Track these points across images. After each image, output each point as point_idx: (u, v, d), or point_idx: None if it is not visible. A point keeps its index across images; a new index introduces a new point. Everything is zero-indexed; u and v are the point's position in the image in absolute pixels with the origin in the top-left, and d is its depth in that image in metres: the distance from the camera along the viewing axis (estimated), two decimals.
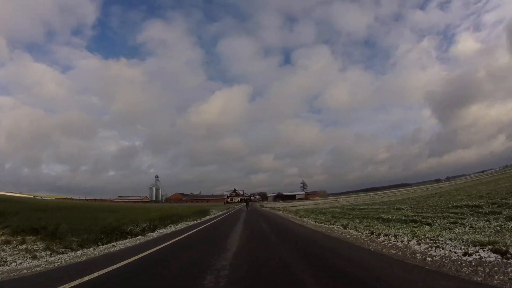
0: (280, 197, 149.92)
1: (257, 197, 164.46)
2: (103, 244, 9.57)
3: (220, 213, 35.00)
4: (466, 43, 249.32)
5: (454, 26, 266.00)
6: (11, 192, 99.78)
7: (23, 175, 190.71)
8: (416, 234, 7.25)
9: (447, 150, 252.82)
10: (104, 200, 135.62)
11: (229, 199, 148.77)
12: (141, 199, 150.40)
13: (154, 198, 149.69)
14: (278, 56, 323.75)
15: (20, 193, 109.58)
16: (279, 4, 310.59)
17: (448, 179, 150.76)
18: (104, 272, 5.37)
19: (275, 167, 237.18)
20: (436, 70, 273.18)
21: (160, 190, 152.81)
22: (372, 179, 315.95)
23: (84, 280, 4.78)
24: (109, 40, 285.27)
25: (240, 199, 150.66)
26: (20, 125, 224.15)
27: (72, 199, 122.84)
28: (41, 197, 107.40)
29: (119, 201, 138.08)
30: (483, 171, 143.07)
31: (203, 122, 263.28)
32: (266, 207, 55.89)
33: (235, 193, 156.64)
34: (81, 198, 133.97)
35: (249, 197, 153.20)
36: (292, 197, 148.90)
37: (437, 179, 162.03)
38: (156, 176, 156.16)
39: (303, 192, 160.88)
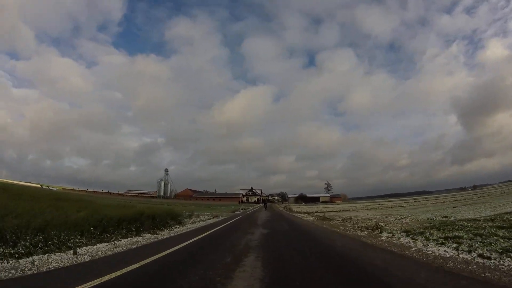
0: (302, 198, 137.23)
1: (276, 197, 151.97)
2: None
3: (213, 220, 20.48)
4: (494, 49, 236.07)
5: (480, 32, 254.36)
6: (19, 181, 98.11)
7: (45, 167, 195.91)
8: None
9: (470, 158, 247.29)
10: (111, 193, 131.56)
11: (244, 199, 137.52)
12: (151, 194, 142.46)
13: (162, 193, 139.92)
14: (302, 57, 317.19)
15: (29, 182, 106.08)
16: (303, 6, 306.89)
17: (475, 187, 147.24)
18: None
19: (294, 168, 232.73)
20: (463, 76, 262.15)
21: (169, 185, 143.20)
22: (391, 185, 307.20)
23: None
24: (134, 36, 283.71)
25: (258, 199, 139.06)
26: (44, 118, 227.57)
27: (79, 190, 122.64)
28: (48, 187, 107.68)
29: (126, 195, 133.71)
30: (510, 181, 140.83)
31: (224, 120, 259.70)
32: (296, 212, 35.75)
33: (252, 192, 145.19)
34: (88, 190, 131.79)
35: (267, 197, 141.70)
36: (315, 199, 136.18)
37: (462, 187, 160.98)
38: (166, 170, 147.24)
39: (328, 195, 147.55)
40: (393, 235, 9.12)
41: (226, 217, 24.15)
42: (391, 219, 18.36)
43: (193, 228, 14.19)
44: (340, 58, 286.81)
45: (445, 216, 16.81)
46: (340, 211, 42.88)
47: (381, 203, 73.82)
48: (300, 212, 32.08)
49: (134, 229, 11.28)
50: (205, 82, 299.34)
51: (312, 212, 32.41)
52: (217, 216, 23.81)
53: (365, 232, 10.53)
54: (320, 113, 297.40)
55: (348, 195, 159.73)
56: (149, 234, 11.23)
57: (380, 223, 12.30)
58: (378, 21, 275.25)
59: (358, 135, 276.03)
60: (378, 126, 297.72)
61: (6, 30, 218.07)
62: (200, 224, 17.05)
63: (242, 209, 44.81)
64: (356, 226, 13.45)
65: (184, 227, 15.17)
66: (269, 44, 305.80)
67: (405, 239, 8.32)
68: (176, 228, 14.42)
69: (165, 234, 11.80)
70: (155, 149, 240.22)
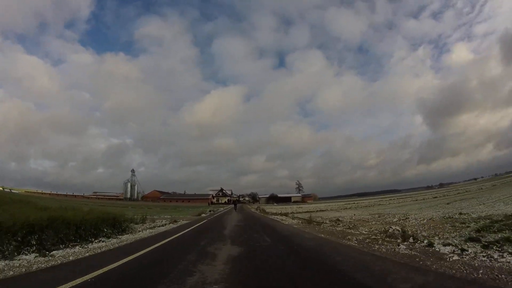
0: (273, 199, 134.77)
1: (246, 198, 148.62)
2: None
3: (167, 228, 16.53)
4: (459, 53, 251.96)
5: (446, 36, 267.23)
6: None
7: (10, 169, 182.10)
8: None
9: (436, 157, 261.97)
10: (75, 196, 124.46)
11: (214, 200, 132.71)
12: (118, 196, 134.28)
13: (129, 195, 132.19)
14: (272, 58, 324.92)
15: None
16: (274, 6, 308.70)
17: (441, 185, 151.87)
18: None
19: (265, 168, 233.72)
20: (429, 78, 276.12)
21: (136, 187, 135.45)
22: (360, 184, 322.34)
23: None
24: (102, 35, 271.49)
25: (228, 199, 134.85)
26: (8, 118, 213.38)
27: (42, 193, 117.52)
28: (10, 189, 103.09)
29: (91, 197, 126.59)
30: (475, 179, 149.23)
31: (195, 122, 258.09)
32: (272, 214, 30.45)
33: (222, 193, 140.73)
34: (52, 192, 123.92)
35: (237, 198, 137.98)
36: (287, 199, 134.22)
37: (429, 185, 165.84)
38: (132, 171, 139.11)
39: (299, 195, 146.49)
40: (462, 249, 5.51)
41: (187, 221, 20.08)
42: (394, 219, 15.37)
43: (128, 242, 10.13)
44: (310, 59, 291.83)
45: (461, 213, 14.18)
46: (317, 211, 40.16)
47: (355, 202, 72.69)
48: (276, 214, 28.55)
49: (34, 243, 7.55)
50: (176, 82, 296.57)
51: (289, 213, 29.28)
52: (175, 221, 19.61)
53: (403, 245, 6.59)
54: (291, 112, 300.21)
55: (318, 195, 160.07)
56: (36, 254, 7.32)
57: (401, 228, 8.86)
58: (347, 24, 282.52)
59: (328, 134, 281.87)
60: (348, 126, 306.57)
61: None
62: (146, 234, 12.69)
63: (210, 211, 40.86)
64: (365, 232, 9.79)
65: (124, 238, 11.18)
66: (239, 44, 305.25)
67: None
68: (108, 240, 10.50)
69: (69, 254, 7.38)
70: (124, 150, 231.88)
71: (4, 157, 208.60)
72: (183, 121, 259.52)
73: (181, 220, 20.68)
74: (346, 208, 44.62)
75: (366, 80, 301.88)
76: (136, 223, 17.87)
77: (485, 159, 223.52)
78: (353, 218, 19.69)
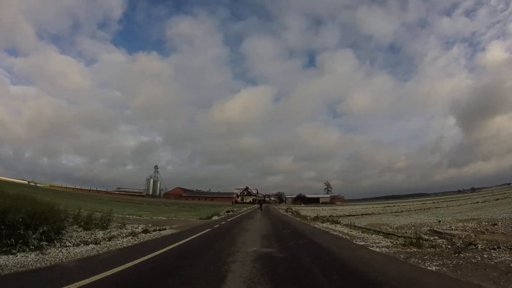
0: (301, 199, 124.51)
1: (272, 198, 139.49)
2: None
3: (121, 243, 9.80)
4: (494, 52, 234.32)
5: (480, 34, 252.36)
6: (8, 177, 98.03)
7: (42, 164, 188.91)
8: None
9: (468, 161, 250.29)
10: (99, 191, 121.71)
11: (239, 199, 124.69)
12: (141, 192, 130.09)
13: (151, 192, 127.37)
14: (302, 58, 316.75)
15: (15, 178, 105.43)
16: (304, 6, 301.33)
17: (473, 190, 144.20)
18: None
19: (291, 169, 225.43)
20: (463, 78, 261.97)
21: (158, 183, 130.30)
22: (387, 187, 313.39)
23: None
24: (134, 34, 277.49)
25: (253, 199, 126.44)
26: (42, 115, 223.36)
27: (66, 187, 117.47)
28: (35, 183, 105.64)
29: (114, 193, 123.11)
30: (508, 184, 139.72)
31: (223, 120, 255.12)
32: (311, 219, 20.90)
33: (247, 191, 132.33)
34: (76, 187, 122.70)
35: (263, 198, 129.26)
36: (315, 200, 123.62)
37: (460, 190, 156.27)
38: (156, 167, 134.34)
39: (328, 195, 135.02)
40: None
41: (180, 230, 12.08)
42: None
43: None
44: (340, 59, 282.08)
45: None
46: (361, 215, 30.88)
47: (395, 204, 61.88)
48: (316, 219, 19.44)
49: None
50: (205, 81, 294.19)
51: (332, 218, 20.40)
52: (160, 230, 11.34)
53: None
54: (319, 114, 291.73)
55: (345, 197, 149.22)
56: None
57: None
58: (379, 23, 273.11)
59: (356, 136, 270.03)
60: (376, 128, 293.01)
61: (6, 26, 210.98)
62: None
63: (228, 211, 32.17)
64: None
65: None
66: (269, 44, 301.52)
67: None
68: None
69: None
70: (153, 148, 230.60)
71: (36, 152, 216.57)
72: (211, 119, 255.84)
73: (167, 229, 12.27)
74: (397, 212, 34.96)
75: (397, 80, 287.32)
76: (87, 228, 10.44)
77: None
78: (455, 228, 10.51)
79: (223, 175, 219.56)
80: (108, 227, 11.89)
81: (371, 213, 34.91)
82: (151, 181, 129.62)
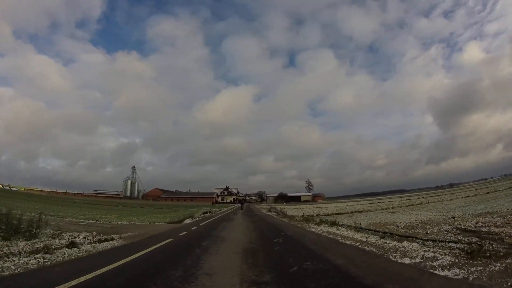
0: (282, 198, 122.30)
1: (253, 197, 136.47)
2: None
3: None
4: (471, 52, 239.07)
5: (458, 35, 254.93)
6: None
7: (19, 168, 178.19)
8: None
9: (445, 158, 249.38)
10: (75, 194, 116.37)
11: (219, 199, 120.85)
12: (118, 194, 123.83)
13: (128, 193, 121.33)
14: (283, 58, 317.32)
15: None
16: (286, 6, 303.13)
17: (451, 186, 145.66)
18: None
19: (274, 168, 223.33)
20: (440, 78, 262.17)
21: (136, 184, 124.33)
22: (368, 184, 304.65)
23: None
24: (113, 34, 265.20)
25: (233, 199, 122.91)
26: (19, 117, 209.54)
27: (41, 190, 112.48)
28: (9, 186, 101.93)
29: (91, 195, 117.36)
30: (485, 179, 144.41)
31: (206, 121, 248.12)
32: (301, 219, 17.48)
33: (227, 191, 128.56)
34: (51, 190, 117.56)
35: (244, 197, 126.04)
36: (296, 199, 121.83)
37: (438, 185, 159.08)
38: (133, 168, 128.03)
39: (310, 194, 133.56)
40: None
41: (131, 241, 8.49)
42: None
43: None
44: (321, 58, 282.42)
45: None
46: (352, 212, 28.46)
47: (380, 201, 60.37)
48: (309, 220, 16.40)
49: None
50: (187, 82, 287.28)
51: (320, 216, 17.47)
52: (110, 239, 7.93)
53: None
54: (301, 113, 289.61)
55: (325, 195, 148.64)
56: None
57: None
58: (358, 23, 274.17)
59: (337, 134, 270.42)
60: (358, 126, 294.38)
61: None
62: None
63: (206, 213, 28.29)
64: None
65: None
66: (251, 44, 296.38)
67: None
68: None
69: None
70: (133, 149, 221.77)
71: (14, 156, 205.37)
72: (194, 120, 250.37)
73: (115, 239, 8.80)
74: (389, 209, 32.73)
75: (377, 79, 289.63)
76: (6, 237, 8.13)
77: (493, 160, 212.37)
78: (483, 224, 7.90)
79: (206, 177, 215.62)
80: (39, 236, 8.65)
81: (361, 211, 32.47)
82: (129, 182, 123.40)
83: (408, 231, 12.45)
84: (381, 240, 7.84)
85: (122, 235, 9.97)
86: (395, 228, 13.67)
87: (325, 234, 10.02)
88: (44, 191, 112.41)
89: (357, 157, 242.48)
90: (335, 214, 29.84)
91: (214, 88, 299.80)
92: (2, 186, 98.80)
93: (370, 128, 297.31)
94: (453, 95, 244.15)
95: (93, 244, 8.04)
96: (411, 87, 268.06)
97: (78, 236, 9.54)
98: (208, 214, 27.46)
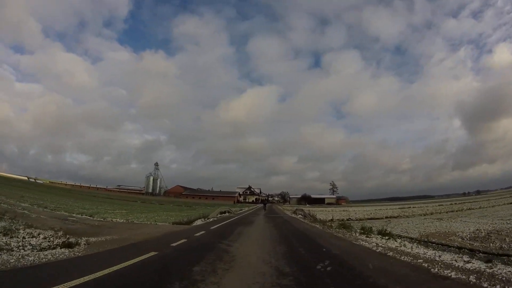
0: (306, 199, 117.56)
1: (276, 198, 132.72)
2: None
3: None
4: (501, 54, 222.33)
5: (487, 36, 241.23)
6: (11, 174, 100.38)
7: (47, 162, 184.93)
8: None
9: (472, 163, 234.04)
10: (98, 188, 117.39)
11: (241, 198, 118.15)
12: (141, 190, 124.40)
13: (150, 190, 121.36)
14: (307, 58, 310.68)
15: (17, 175, 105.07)
16: (311, 6, 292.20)
17: (478, 193, 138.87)
18: None
19: (295, 169, 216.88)
20: (469, 80, 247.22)
21: (158, 181, 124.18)
22: (390, 189, 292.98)
23: None
24: (140, 33, 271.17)
25: (256, 198, 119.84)
26: (47, 113, 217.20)
27: (66, 184, 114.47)
28: (34, 179, 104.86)
29: (114, 190, 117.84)
30: None
31: (229, 120, 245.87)
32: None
33: (249, 191, 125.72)
34: (75, 184, 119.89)
35: (267, 198, 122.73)
36: (320, 201, 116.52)
37: (465, 192, 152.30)
38: (156, 164, 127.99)
39: (334, 196, 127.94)
40: None
41: (93, 251, 5.18)
42: None
43: None
44: (346, 60, 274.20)
45: None
46: (386, 218, 24.62)
47: (411, 206, 55.01)
48: (348, 227, 12.56)
49: None
50: (211, 80, 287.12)
51: (349, 220, 13.85)
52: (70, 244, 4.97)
53: None
54: (324, 114, 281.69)
55: (349, 198, 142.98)
56: None
57: None
58: (385, 24, 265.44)
59: (361, 137, 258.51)
60: (381, 129, 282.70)
61: (13, 22, 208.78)
62: None
63: (224, 212, 24.84)
64: None
65: None
66: (275, 44, 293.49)
67: None
68: None
69: None
70: (157, 146, 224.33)
71: (42, 149, 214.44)
72: (217, 118, 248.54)
73: (81, 244, 5.86)
74: (427, 215, 28.46)
75: (403, 82, 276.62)
76: None
77: None
78: None
79: (227, 175, 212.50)
80: None
81: (396, 216, 28.36)
82: (151, 178, 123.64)
83: (484, 244, 9.06)
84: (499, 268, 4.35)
85: (94, 239, 6.99)
86: (460, 239, 10.33)
87: (390, 253, 6.44)
88: (68, 184, 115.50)
89: (380, 161, 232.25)
90: (368, 219, 26.01)
91: (238, 87, 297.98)
92: (28, 178, 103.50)
93: (394, 132, 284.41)
94: (481, 99, 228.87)
95: (37, 252, 5.10)
96: (438, 90, 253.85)
97: (38, 235, 6.71)
98: (226, 214, 24.34)
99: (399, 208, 50.72)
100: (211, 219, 16.92)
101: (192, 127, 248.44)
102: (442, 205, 50.76)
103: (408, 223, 20.30)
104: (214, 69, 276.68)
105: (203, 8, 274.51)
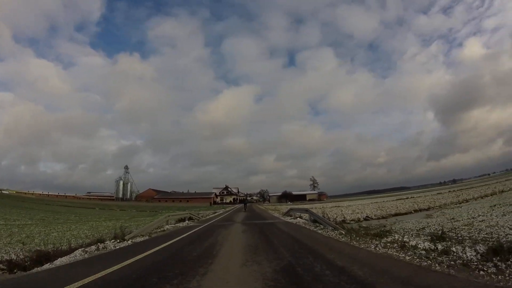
0: (287, 197, 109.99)
1: (254, 197, 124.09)
2: None
3: None
4: (471, 48, 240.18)
5: (457, 31, 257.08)
6: None
7: (20, 172, 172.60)
8: None
9: (446, 154, 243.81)
10: (66, 196, 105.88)
11: (218, 199, 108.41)
12: (112, 196, 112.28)
13: (121, 195, 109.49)
14: (283, 57, 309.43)
15: None
16: (285, 5, 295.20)
17: (454, 181, 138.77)
18: None
19: (275, 168, 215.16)
20: (441, 74, 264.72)
21: (129, 185, 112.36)
22: (369, 182, 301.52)
23: None
24: (113, 37, 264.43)
25: (233, 198, 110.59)
26: (19, 122, 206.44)
27: (33, 193, 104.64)
28: (0, 190, 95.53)
29: (83, 197, 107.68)
30: (488, 174, 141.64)
31: (207, 122, 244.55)
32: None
33: (227, 191, 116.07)
34: (42, 193, 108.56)
35: (245, 197, 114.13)
36: (301, 198, 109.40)
37: (441, 182, 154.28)
38: (126, 167, 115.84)
39: (315, 192, 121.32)
40: None
41: None
42: None
43: None
44: (321, 57, 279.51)
45: None
46: (391, 215, 16.87)
47: (407, 196, 48.32)
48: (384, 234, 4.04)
49: None
50: (188, 82, 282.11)
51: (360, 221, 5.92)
52: None
53: None
54: (303, 112, 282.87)
55: (328, 193, 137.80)
56: None
57: None
58: (358, 21, 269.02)
59: (338, 133, 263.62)
60: (358, 124, 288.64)
61: None
62: None
63: (190, 218, 16.11)
64: None
65: None
66: (250, 43, 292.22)
67: None
68: None
69: None
70: (134, 151, 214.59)
71: (14, 160, 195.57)
72: (195, 120, 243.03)
73: None
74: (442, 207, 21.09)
75: (378, 77, 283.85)
76: None
77: (494, 155, 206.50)
78: None
79: (206, 177, 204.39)
80: None
81: (405, 213, 20.62)
82: (121, 183, 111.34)
83: None
84: None
85: None
86: None
87: None
88: (35, 193, 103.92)
89: (358, 155, 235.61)
90: (393, 215, 18.27)
91: (215, 89, 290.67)
92: None
93: (370, 126, 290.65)
94: (454, 91, 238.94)
95: None
96: (412, 84, 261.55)
97: None
98: (184, 223, 15.37)
99: (396, 199, 43.21)
100: (156, 234, 8.16)
101: (170, 130, 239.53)
102: (441, 193, 44.08)
103: (425, 219, 12.53)
104: (190, 71, 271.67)
105: (177, 9, 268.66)
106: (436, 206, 22.83)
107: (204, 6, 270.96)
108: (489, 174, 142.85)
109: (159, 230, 10.99)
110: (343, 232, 8.46)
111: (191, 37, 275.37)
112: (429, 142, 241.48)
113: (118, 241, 7.77)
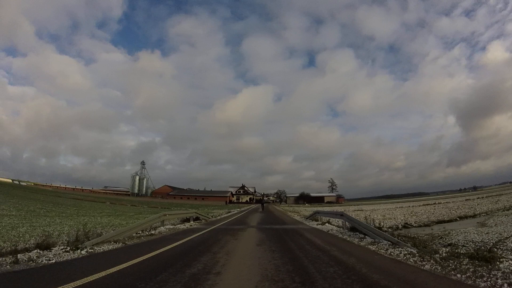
0: (304, 198, 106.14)
1: (271, 197, 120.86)
2: None
3: None
4: (494, 52, 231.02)
5: (479, 34, 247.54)
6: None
7: (40, 165, 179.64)
8: None
9: (466, 160, 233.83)
10: (83, 190, 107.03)
11: (234, 198, 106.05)
12: (128, 191, 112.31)
13: (136, 190, 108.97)
14: (302, 57, 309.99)
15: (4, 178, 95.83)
16: (305, 6, 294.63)
17: (475, 189, 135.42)
18: None
19: (291, 169, 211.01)
20: (463, 78, 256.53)
21: (145, 181, 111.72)
22: (386, 186, 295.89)
23: None
24: (134, 34, 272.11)
25: (250, 198, 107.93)
26: (40, 116, 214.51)
27: (51, 186, 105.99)
28: (18, 182, 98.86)
29: (99, 191, 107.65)
30: (510, 182, 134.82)
31: (224, 120, 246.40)
32: None
33: (243, 190, 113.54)
34: (60, 186, 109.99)
35: (262, 197, 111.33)
36: (319, 200, 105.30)
37: (461, 188, 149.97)
38: (142, 163, 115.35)
39: (334, 194, 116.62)
40: None
41: None
42: None
43: None
44: (341, 58, 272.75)
45: None
46: (448, 220, 13.32)
47: (434, 202, 43.73)
48: None
49: None
50: (207, 81, 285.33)
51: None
52: None
53: None
54: (320, 113, 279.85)
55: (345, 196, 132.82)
56: None
57: None
58: (379, 23, 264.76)
59: (356, 136, 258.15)
60: (376, 127, 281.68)
61: (5, 25, 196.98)
62: None
63: (196, 219, 13.42)
64: None
65: None
66: (269, 43, 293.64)
67: None
68: None
69: None
70: (152, 148, 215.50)
71: (35, 153, 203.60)
72: (213, 119, 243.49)
73: None
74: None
75: (398, 79, 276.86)
76: None
77: None
78: None
79: (222, 176, 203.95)
80: None
81: (448, 220, 17.00)
82: (137, 178, 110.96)
83: None
84: None
85: None
86: None
87: None
88: (53, 186, 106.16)
89: (376, 158, 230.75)
90: (438, 222, 14.84)
91: (233, 88, 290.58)
92: (13, 181, 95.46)
93: (388, 130, 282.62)
94: (475, 96, 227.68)
95: None
96: (433, 88, 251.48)
97: None
98: (188, 224, 12.64)
99: (423, 204, 38.92)
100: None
101: (188, 127, 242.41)
102: (469, 199, 39.48)
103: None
104: (209, 69, 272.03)
105: (197, 8, 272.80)
106: (483, 213, 19.21)
107: (224, 5, 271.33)
108: (510, 182, 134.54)
109: (148, 233, 8.28)
110: (414, 252, 5.39)
111: (211, 36, 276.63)
112: (448, 148, 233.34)
113: (68, 248, 5.05)
